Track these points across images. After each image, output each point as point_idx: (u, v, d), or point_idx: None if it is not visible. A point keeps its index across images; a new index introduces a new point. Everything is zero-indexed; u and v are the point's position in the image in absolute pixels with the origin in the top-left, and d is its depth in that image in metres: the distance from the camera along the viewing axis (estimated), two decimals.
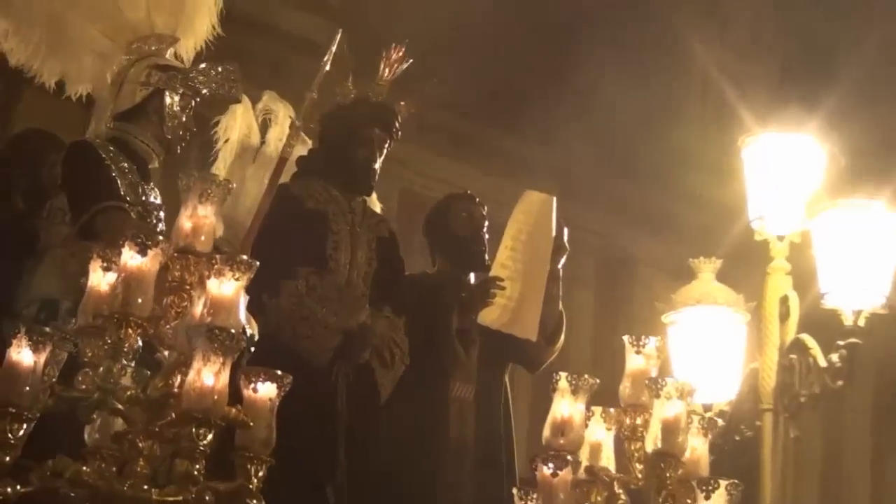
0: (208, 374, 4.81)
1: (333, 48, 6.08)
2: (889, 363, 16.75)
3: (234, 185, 5.31)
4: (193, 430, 4.81)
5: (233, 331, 4.85)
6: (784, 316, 6.16)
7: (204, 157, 7.15)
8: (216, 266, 4.98)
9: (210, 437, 4.87)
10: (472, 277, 7.02)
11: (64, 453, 5.03)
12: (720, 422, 6.19)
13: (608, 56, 13.82)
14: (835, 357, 6.36)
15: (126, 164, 6.00)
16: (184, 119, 6.21)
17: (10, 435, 4.89)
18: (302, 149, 6.80)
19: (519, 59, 13.86)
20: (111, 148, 6.02)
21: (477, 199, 7.11)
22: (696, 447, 6.14)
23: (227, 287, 4.98)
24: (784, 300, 6.10)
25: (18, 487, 4.97)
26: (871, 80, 13.90)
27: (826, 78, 10.94)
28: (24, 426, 4.91)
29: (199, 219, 5.16)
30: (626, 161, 15.01)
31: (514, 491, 6.24)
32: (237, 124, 7.14)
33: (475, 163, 13.42)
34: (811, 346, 7.14)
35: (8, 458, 4.88)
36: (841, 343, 5.95)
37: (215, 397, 4.82)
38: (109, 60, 6.30)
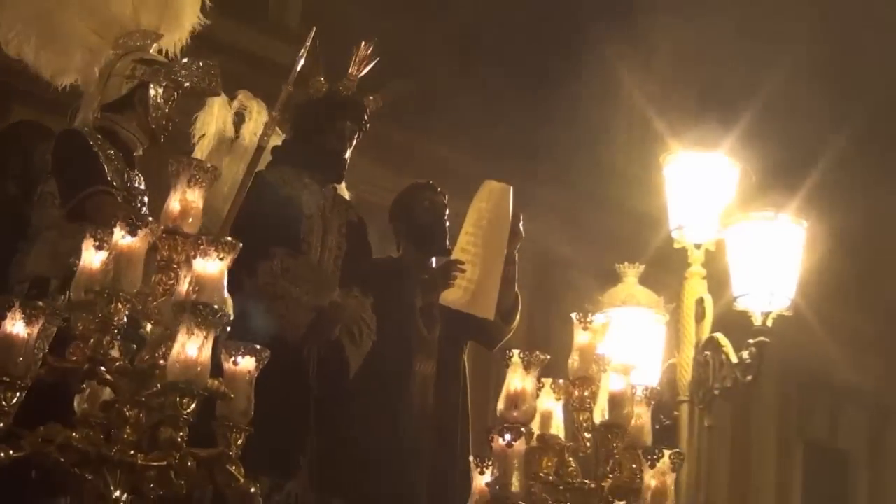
0: (192, 347, 4.78)
1: (307, 43, 5.93)
2: (793, 360, 16.99)
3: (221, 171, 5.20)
4: (178, 399, 4.72)
5: (216, 307, 4.75)
6: (700, 317, 6.27)
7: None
8: (202, 246, 4.96)
9: (193, 406, 4.79)
10: (433, 261, 6.90)
11: (53, 422, 4.95)
12: None
13: (544, 79, 13.94)
14: (745, 354, 6.50)
15: (112, 152, 5.95)
16: (167, 110, 6.08)
17: (3, 403, 4.86)
18: (276, 139, 6.71)
19: (458, 79, 13.89)
20: (99, 136, 5.97)
21: (438, 189, 7.03)
22: (640, 415, 6.08)
23: (212, 266, 4.97)
24: (700, 302, 6.20)
25: (11, 453, 4.85)
26: (781, 103, 14.12)
27: (739, 102, 11.04)
28: (17, 395, 4.84)
29: (188, 202, 5.14)
30: (560, 174, 15.19)
31: (471, 459, 6.19)
32: (214, 119, 7.06)
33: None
34: (724, 344, 7.37)
35: (1, 425, 4.77)
36: (751, 341, 6.04)
37: (199, 369, 4.80)
38: (97, 55, 6.23)
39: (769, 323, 6.20)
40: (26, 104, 14.12)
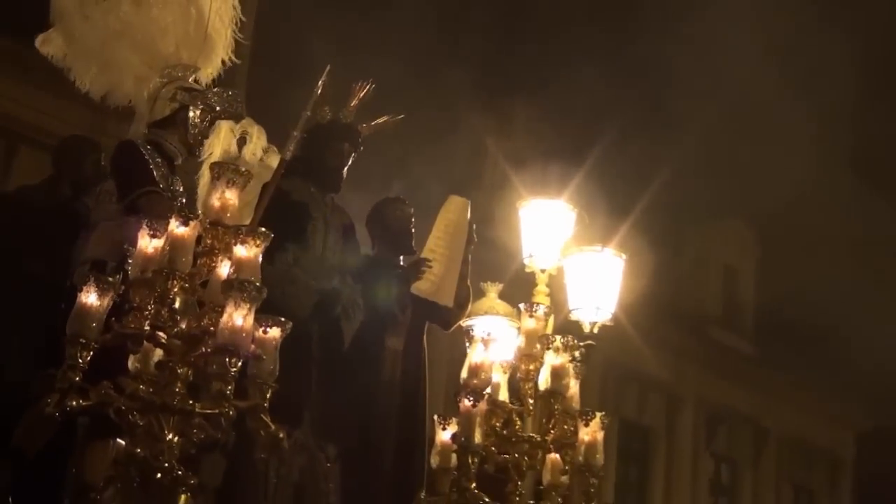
0: (238, 317, 4.65)
1: (321, 81, 5.81)
2: (612, 358, 18.37)
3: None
4: (227, 359, 4.55)
5: (257, 283, 4.61)
6: None
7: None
8: (241, 236, 4.78)
9: (239, 364, 4.64)
10: (401, 259, 6.81)
11: (111, 377, 4.80)
12: None
13: (422, 139, 14.20)
14: (577, 353, 6.48)
15: (159, 160, 5.88)
16: (202, 128, 5.94)
17: (79, 359, 4.63)
18: (275, 159, 6.58)
19: None
20: (148, 146, 5.83)
21: (406, 202, 6.95)
22: (571, 386, 6.06)
23: (250, 251, 4.81)
24: None
25: (81, 402, 4.67)
26: (606, 165, 14.54)
27: (577, 160, 11.43)
28: (89, 354, 4.73)
29: (226, 199, 5.07)
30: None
31: (435, 417, 6.12)
32: (220, 141, 6.93)
33: None
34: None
35: (77, 378, 4.62)
36: (581, 344, 6.10)
37: (243, 335, 4.62)
38: (146, 82, 6.17)
39: (595, 330, 6.33)
40: (31, 145, 13.96)
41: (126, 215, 5.62)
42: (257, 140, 7.14)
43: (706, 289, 24.04)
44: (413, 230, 7.00)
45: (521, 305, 6.12)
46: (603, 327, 6.45)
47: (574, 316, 6.47)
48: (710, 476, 22.95)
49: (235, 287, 4.66)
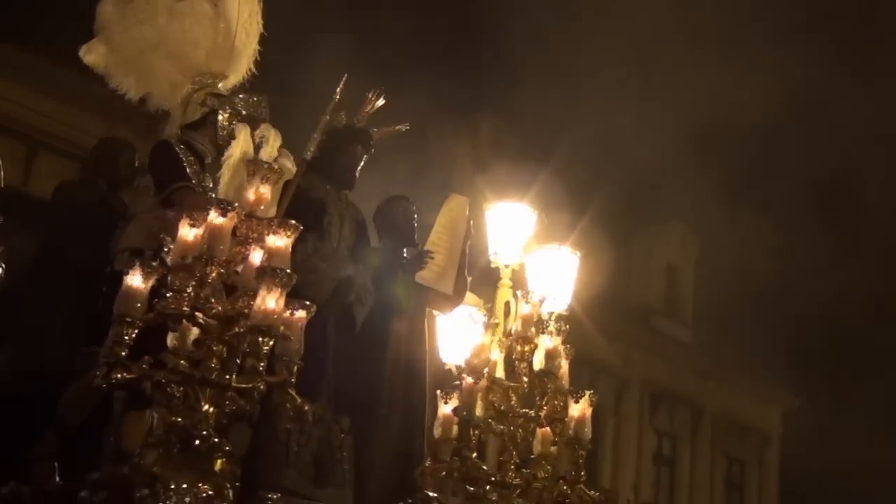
0: (271, 300, 4.50)
1: (339, 88, 5.66)
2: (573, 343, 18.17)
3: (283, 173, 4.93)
4: (260, 338, 4.40)
5: (288, 271, 4.47)
6: (507, 313, 6.17)
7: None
8: (274, 227, 4.64)
9: (271, 343, 4.49)
10: (405, 251, 6.67)
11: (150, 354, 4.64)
12: None
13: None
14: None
15: (191, 158, 5.74)
16: (229, 130, 5.79)
17: (125, 336, 4.48)
18: (287, 161, 6.41)
19: None
20: (181, 146, 5.73)
21: (410, 199, 6.81)
22: (563, 366, 5.93)
23: (281, 242, 4.68)
24: (507, 304, 6.13)
25: (125, 375, 4.51)
26: (567, 172, 14.88)
27: (538, 169, 11.46)
28: (135, 331, 4.60)
29: (260, 194, 4.93)
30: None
31: (438, 392, 5.98)
32: (240, 144, 6.72)
33: None
34: None
35: (123, 353, 4.45)
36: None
37: (275, 316, 4.47)
38: (179, 87, 6.10)
39: (553, 319, 6.18)
40: (50, 151, 13.77)
41: (162, 208, 5.50)
42: (273, 143, 6.94)
43: (650, 284, 24.57)
44: (415, 224, 6.84)
45: (518, 293, 6.02)
46: (559, 316, 6.34)
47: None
48: (654, 449, 23.28)
49: (269, 273, 4.60)
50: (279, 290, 4.57)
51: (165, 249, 5.07)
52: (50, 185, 6.92)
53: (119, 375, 4.61)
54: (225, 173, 6.53)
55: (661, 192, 23.99)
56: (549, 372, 5.84)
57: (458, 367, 5.96)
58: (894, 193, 24.69)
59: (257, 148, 6.93)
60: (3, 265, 5.70)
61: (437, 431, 5.92)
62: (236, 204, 4.77)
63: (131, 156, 6.45)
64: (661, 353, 22.75)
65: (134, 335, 4.55)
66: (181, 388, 4.62)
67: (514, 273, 6.40)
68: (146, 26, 5.89)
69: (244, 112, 5.96)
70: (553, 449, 5.94)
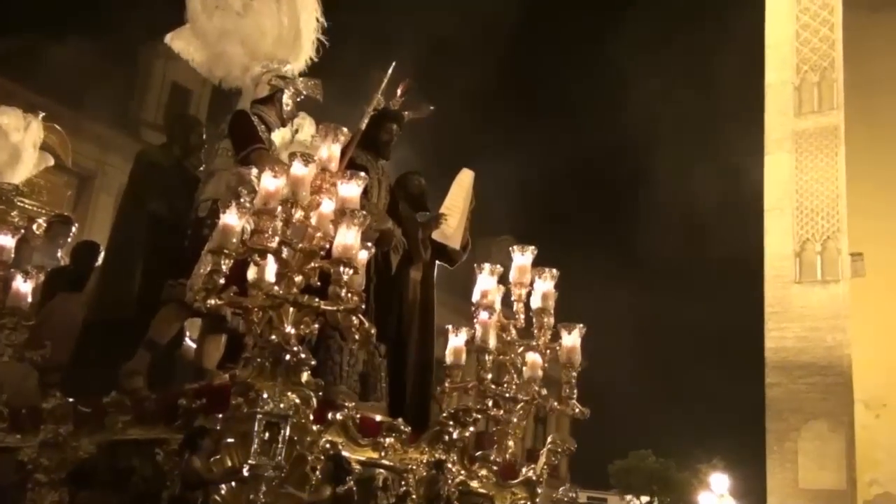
0: (350, 236, 4.01)
1: (385, 78, 5.18)
2: None
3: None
4: (342, 268, 3.93)
5: (362, 212, 4.00)
6: None
7: None
8: (346, 177, 4.13)
9: (351, 273, 4.00)
10: (419, 215, 6.22)
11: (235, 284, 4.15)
12: None
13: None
14: None
15: (263, 127, 5.36)
16: (291, 106, 5.30)
17: (223, 267, 3.95)
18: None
19: None
20: (254, 117, 5.12)
21: (420, 173, 6.36)
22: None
23: (353, 190, 4.22)
24: None
25: (218, 301, 4.02)
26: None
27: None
28: (231, 262, 4.15)
29: (332, 152, 4.37)
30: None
31: (449, 326, 5.52)
32: (280, 132, 6.21)
33: None
34: None
35: (222, 281, 3.95)
36: None
37: (353, 251, 4.01)
38: (250, 70, 5.73)
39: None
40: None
41: (239, 165, 5.13)
42: (308, 129, 6.42)
43: None
44: (426, 194, 6.38)
45: (516, 247, 5.57)
46: None
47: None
48: None
49: (348, 214, 4.16)
50: (356, 227, 4.14)
51: (241, 200, 4.57)
52: None
53: (214, 301, 4.13)
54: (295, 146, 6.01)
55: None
56: (546, 309, 5.48)
57: (473, 305, 5.52)
58: None
59: (295, 132, 6.44)
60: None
61: (448, 359, 5.55)
62: (316, 157, 4.31)
63: (200, 129, 6.03)
64: None
65: (228, 267, 4.08)
66: (266, 313, 4.16)
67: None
68: (223, 17, 5.61)
69: (304, 93, 5.64)
70: (540, 373, 5.59)
